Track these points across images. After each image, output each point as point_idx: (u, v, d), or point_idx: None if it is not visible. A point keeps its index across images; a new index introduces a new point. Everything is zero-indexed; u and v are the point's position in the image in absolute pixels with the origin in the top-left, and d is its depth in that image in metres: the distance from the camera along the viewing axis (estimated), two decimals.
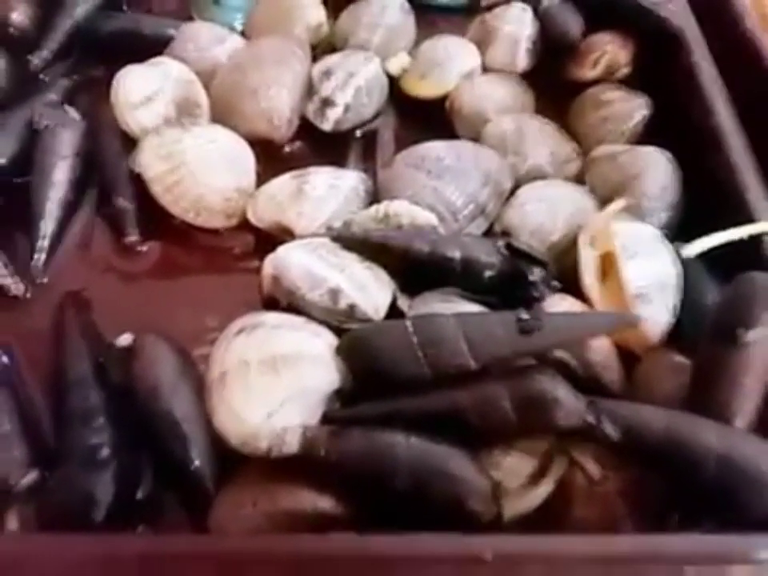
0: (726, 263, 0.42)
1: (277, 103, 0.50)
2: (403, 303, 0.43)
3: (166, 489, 0.38)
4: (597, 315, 0.40)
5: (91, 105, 0.53)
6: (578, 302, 0.42)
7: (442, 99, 0.55)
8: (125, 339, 0.42)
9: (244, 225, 0.49)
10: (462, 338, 0.36)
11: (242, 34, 0.59)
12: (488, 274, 0.42)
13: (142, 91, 0.49)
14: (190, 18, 0.60)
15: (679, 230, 0.46)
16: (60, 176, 0.47)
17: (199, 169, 0.47)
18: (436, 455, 0.33)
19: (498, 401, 0.34)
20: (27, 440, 0.38)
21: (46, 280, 0.46)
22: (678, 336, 0.41)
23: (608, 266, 0.43)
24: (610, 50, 0.55)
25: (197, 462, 0.37)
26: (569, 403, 0.34)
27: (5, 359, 0.42)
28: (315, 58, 0.56)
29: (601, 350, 0.40)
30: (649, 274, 0.41)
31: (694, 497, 0.34)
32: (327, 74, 0.53)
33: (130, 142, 0.50)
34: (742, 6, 0.55)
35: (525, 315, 0.36)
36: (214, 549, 0.32)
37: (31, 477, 0.37)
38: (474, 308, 0.41)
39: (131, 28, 0.57)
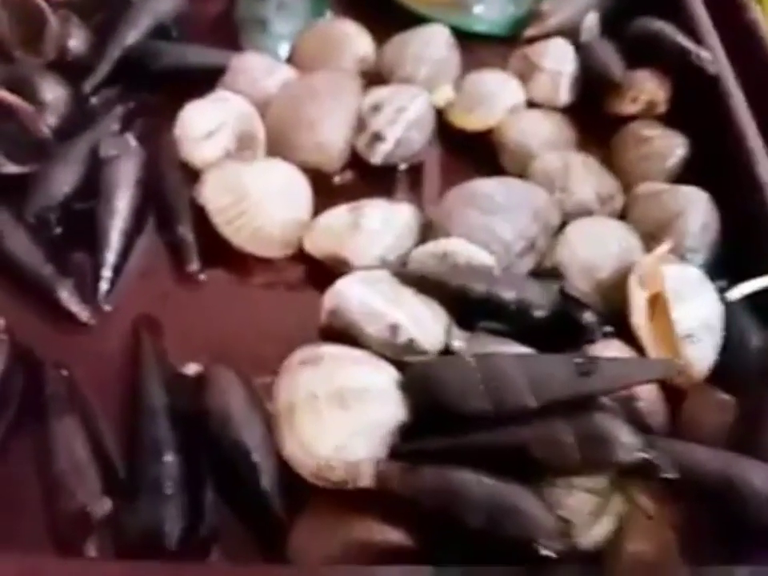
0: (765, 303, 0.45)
1: (332, 136, 0.52)
2: (455, 339, 0.45)
3: (236, 517, 0.39)
4: (647, 362, 0.42)
5: (148, 133, 0.54)
6: (625, 347, 0.43)
7: (486, 132, 0.57)
8: (191, 368, 0.44)
9: (298, 254, 0.50)
10: (523, 377, 0.37)
11: (288, 61, 0.61)
12: (540, 314, 0.43)
13: (205, 126, 0.51)
14: (237, 45, 0.61)
15: (718, 268, 0.48)
16: (123, 204, 0.49)
17: (262, 201, 0.48)
18: (507, 494, 0.35)
19: (562, 437, 0.36)
20: (99, 468, 0.40)
21: (109, 308, 0.47)
22: (717, 372, 0.43)
23: (653, 305, 0.45)
24: (649, 88, 0.57)
25: (268, 490, 0.38)
26: (629, 441, 0.36)
27: (64, 372, 0.43)
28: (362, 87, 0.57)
29: (646, 386, 0.42)
30: (696, 315, 0.43)
31: (744, 532, 0.36)
32: (377, 108, 0.54)
33: (188, 172, 0.51)
34: None
35: (579, 359, 0.38)
36: None
37: (106, 506, 0.38)
38: (526, 350, 0.42)
39: (181, 56, 0.58)
